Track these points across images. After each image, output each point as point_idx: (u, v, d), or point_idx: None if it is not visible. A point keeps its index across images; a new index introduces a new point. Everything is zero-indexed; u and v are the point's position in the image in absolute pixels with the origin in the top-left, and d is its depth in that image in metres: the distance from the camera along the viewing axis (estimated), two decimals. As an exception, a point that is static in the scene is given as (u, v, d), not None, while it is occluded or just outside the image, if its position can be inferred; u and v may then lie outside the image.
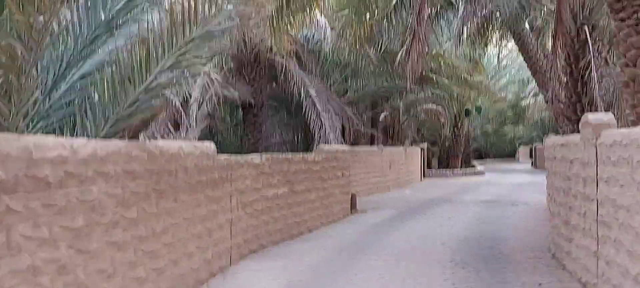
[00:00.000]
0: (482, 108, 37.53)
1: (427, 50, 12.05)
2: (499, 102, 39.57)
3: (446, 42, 22.52)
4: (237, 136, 17.28)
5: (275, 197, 9.59)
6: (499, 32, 17.51)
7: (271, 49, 16.35)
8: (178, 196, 6.11)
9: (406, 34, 11.74)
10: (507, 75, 41.14)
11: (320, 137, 14.89)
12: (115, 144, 4.95)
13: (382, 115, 25.28)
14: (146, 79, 5.58)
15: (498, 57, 32.48)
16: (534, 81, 35.94)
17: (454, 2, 12.58)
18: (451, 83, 22.53)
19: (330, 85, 19.46)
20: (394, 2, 12.60)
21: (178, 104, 12.35)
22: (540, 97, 33.76)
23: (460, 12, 12.08)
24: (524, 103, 39.39)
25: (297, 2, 10.42)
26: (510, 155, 54.58)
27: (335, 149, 12.92)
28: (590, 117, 6.37)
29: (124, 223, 4.93)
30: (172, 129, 13.92)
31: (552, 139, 9.16)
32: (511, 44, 33.92)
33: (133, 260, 5.08)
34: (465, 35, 13.49)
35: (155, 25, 6.17)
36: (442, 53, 20.64)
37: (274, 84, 18.00)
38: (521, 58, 37.98)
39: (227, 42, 15.90)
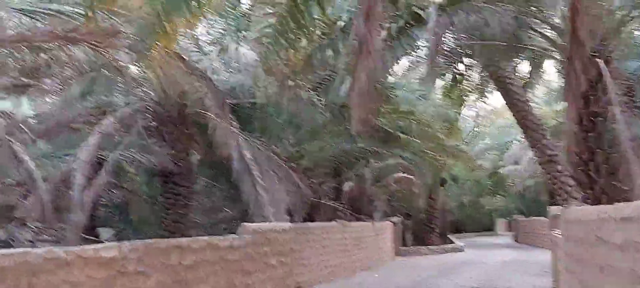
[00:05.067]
0: (458, 177, 34.70)
1: (381, 78, 8.86)
2: (476, 170, 36.67)
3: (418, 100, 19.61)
4: (155, 212, 13.61)
5: (150, 312, 6.00)
6: (480, 75, 14.53)
7: (203, 103, 13.08)
8: None
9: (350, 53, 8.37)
10: (483, 141, 38.44)
11: (255, 211, 11.35)
12: None
13: (346, 186, 22.03)
14: None
15: (476, 117, 29.83)
16: (512, 147, 33.60)
17: (424, 16, 9.35)
18: (424, 145, 19.30)
19: (284, 149, 16.20)
20: (341, 23, 9.35)
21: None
22: (523, 164, 31.08)
23: (432, 22, 8.77)
24: (502, 171, 36.42)
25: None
26: (487, 228, 51.48)
27: (267, 228, 9.42)
28: None
29: None
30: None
31: (586, 210, 5.78)
32: (488, 107, 31.55)
33: None
34: (437, 58, 10.16)
35: None
36: (412, 110, 17.50)
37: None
38: (499, 122, 35.67)
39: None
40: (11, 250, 4.43)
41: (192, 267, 6.87)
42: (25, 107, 13.17)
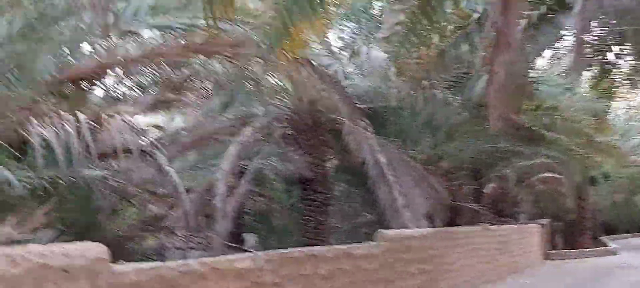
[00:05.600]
0: (609, 174, 32.32)
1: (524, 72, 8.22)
2: (630, 167, 33.98)
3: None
4: (295, 219, 13.77)
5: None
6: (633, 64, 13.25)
7: (336, 108, 13.04)
8: None
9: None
10: (638, 135, 35.53)
11: (391, 216, 11.09)
12: None
13: (488, 187, 21.17)
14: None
15: (629, 110, 27.59)
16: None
17: (568, 0, 8.55)
18: (571, 142, 18.10)
19: (421, 152, 15.85)
20: (477, 14, 8.80)
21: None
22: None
23: (578, 6, 7.94)
24: (659, 167, 33.50)
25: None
26: (642, 228, 47.64)
27: (405, 234, 9.14)
28: None
29: None
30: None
31: None
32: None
33: None
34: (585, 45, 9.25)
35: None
36: (557, 105, 16.46)
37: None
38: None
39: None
40: (146, 264, 4.51)
41: (327, 277, 6.74)
42: (176, 121, 13.86)
